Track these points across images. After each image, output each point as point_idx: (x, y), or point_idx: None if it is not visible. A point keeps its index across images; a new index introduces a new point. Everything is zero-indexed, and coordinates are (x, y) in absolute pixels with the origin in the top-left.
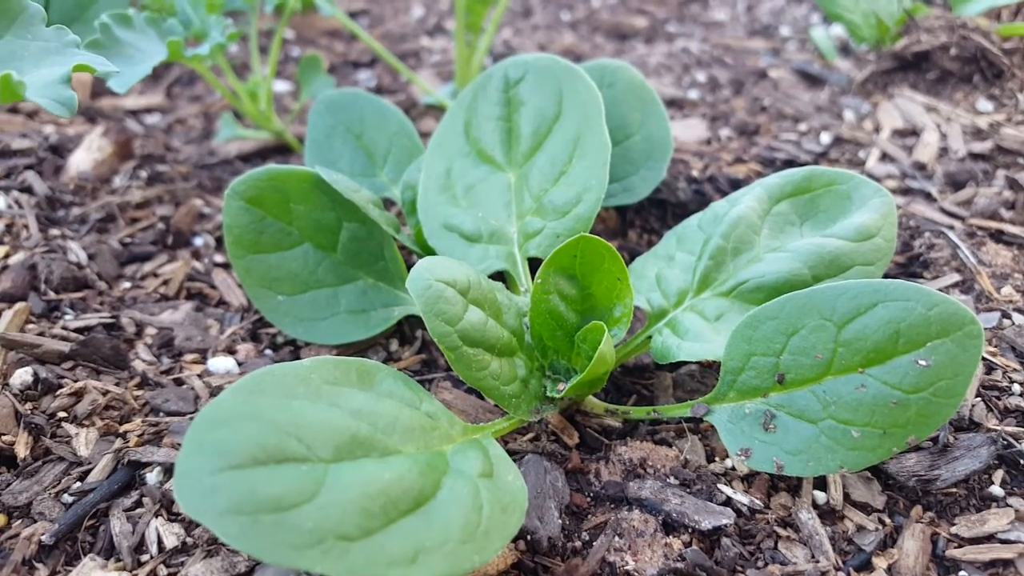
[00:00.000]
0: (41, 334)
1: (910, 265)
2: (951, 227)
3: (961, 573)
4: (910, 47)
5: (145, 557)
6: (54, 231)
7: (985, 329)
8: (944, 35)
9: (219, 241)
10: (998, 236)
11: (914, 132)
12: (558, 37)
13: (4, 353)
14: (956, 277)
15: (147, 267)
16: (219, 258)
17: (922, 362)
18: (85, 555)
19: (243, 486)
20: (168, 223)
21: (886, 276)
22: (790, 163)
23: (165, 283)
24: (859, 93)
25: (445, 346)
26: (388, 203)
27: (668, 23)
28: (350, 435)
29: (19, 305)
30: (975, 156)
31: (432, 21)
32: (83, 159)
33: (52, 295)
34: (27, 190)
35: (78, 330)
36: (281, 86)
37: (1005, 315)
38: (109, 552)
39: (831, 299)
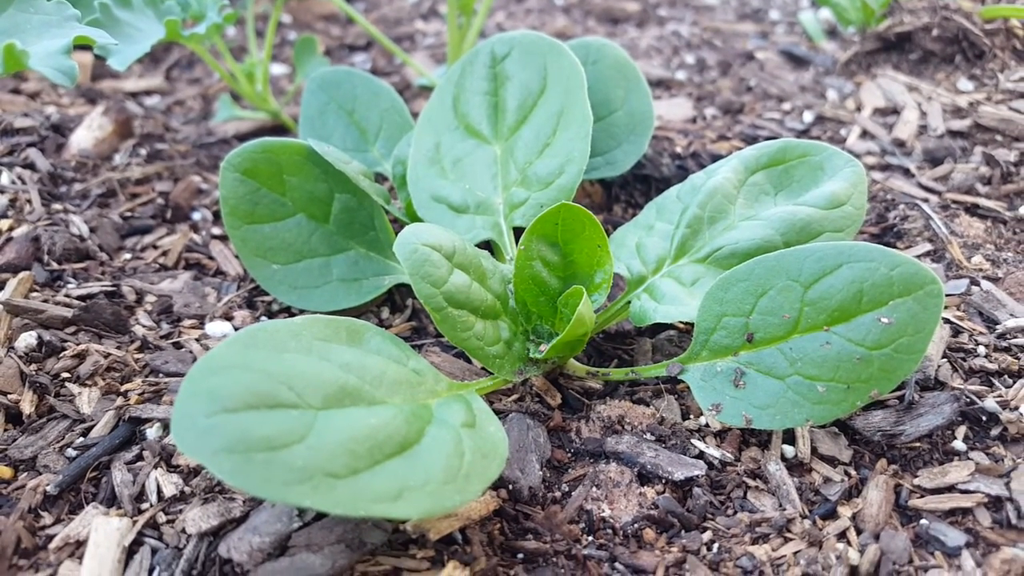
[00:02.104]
0: (45, 301)
1: (883, 235)
2: (926, 200)
3: (922, 521)
4: (893, 28)
5: (145, 505)
6: (56, 206)
7: (954, 295)
8: (927, 16)
9: (216, 215)
10: (973, 209)
11: (895, 111)
12: (550, 20)
13: (9, 319)
14: (928, 247)
15: (147, 239)
16: (216, 231)
17: (884, 320)
18: (88, 504)
19: (236, 427)
20: (167, 198)
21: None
22: (772, 140)
23: (164, 254)
24: (843, 74)
25: (431, 307)
26: (380, 177)
27: (660, 7)
28: (339, 386)
29: (23, 274)
30: (954, 133)
31: (427, 5)
32: (84, 137)
33: (55, 265)
34: (30, 166)
35: (80, 297)
36: (278, 69)
37: (974, 282)
38: (111, 501)
39: (798, 261)
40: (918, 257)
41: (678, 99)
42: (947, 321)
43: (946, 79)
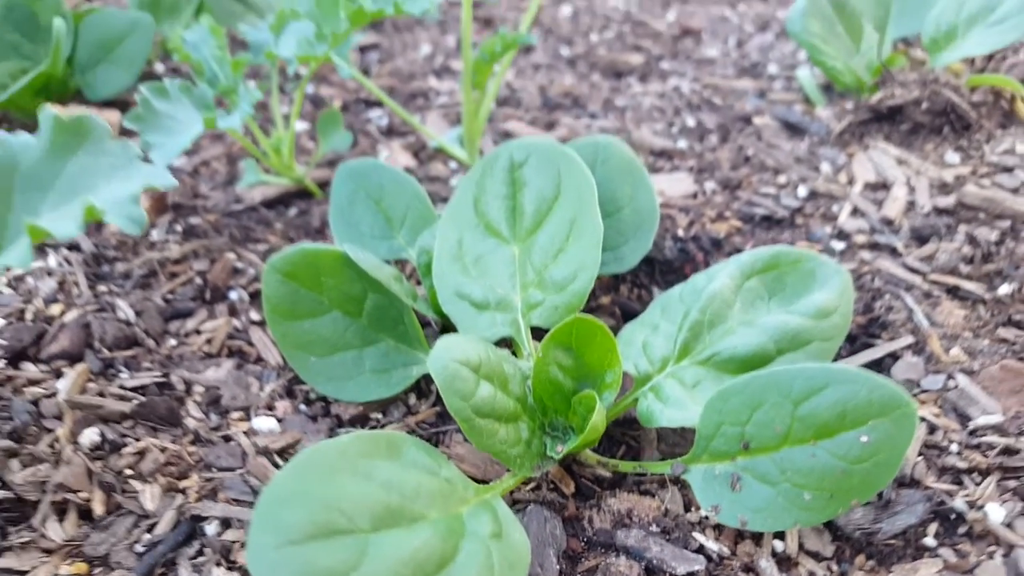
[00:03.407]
0: (101, 394)
1: (870, 326)
2: (912, 285)
3: None
4: (885, 101)
5: None
6: (102, 287)
7: (932, 391)
8: (917, 89)
9: (252, 296)
10: (955, 292)
11: (885, 186)
12: (558, 77)
13: (73, 413)
14: (910, 339)
15: (189, 324)
16: (255, 315)
17: (864, 438)
18: None
19: (302, 559)
20: (205, 278)
21: (850, 336)
22: (768, 218)
23: (208, 341)
24: (837, 143)
25: (460, 418)
26: (403, 263)
27: (662, 60)
28: (384, 505)
29: (80, 366)
30: (939, 211)
31: (439, 60)
32: None
33: (106, 353)
34: (75, 247)
35: (134, 389)
36: (298, 125)
37: (950, 376)
38: None
39: (789, 380)
40: (901, 350)
41: (679, 173)
42: (923, 419)
43: (934, 151)
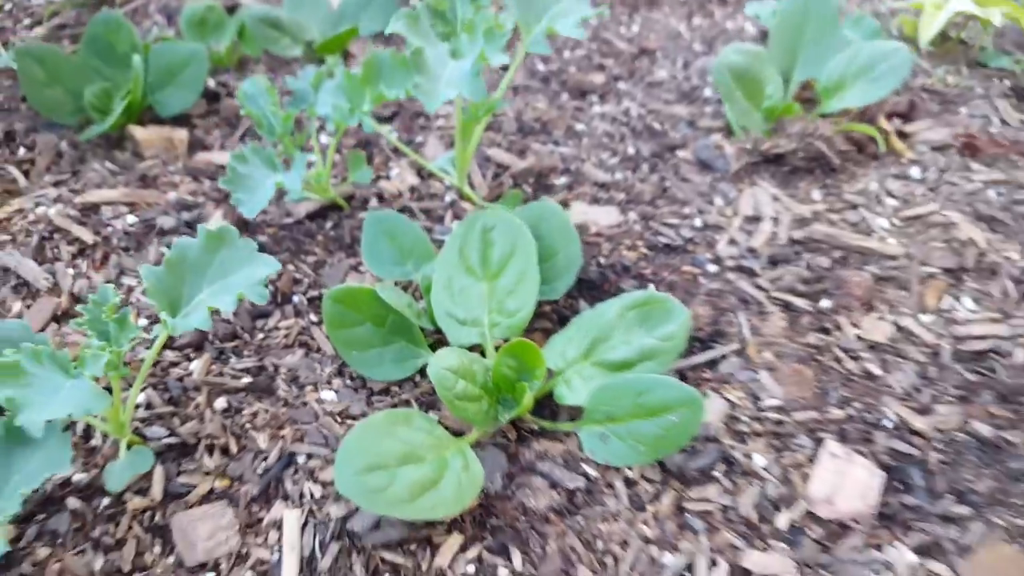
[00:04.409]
0: (221, 374)
1: (712, 337)
2: (758, 300)
3: (686, 516)
4: (771, 149)
5: (307, 500)
6: None
7: (741, 382)
8: (796, 141)
9: (309, 300)
10: (787, 306)
11: (758, 219)
12: (532, 100)
13: (206, 387)
14: (737, 346)
15: (270, 322)
16: (313, 316)
17: (673, 418)
18: (275, 501)
19: (363, 480)
20: (276, 286)
21: (701, 340)
22: (668, 246)
23: (285, 335)
24: (732, 180)
25: (445, 400)
26: (410, 284)
27: (620, 80)
28: (403, 453)
29: (204, 355)
30: (793, 241)
31: None
32: None
33: (219, 344)
34: None
35: (241, 370)
36: (325, 139)
37: (757, 372)
38: (287, 499)
39: (636, 383)
40: (727, 354)
41: (610, 207)
42: (729, 400)
43: (804, 189)
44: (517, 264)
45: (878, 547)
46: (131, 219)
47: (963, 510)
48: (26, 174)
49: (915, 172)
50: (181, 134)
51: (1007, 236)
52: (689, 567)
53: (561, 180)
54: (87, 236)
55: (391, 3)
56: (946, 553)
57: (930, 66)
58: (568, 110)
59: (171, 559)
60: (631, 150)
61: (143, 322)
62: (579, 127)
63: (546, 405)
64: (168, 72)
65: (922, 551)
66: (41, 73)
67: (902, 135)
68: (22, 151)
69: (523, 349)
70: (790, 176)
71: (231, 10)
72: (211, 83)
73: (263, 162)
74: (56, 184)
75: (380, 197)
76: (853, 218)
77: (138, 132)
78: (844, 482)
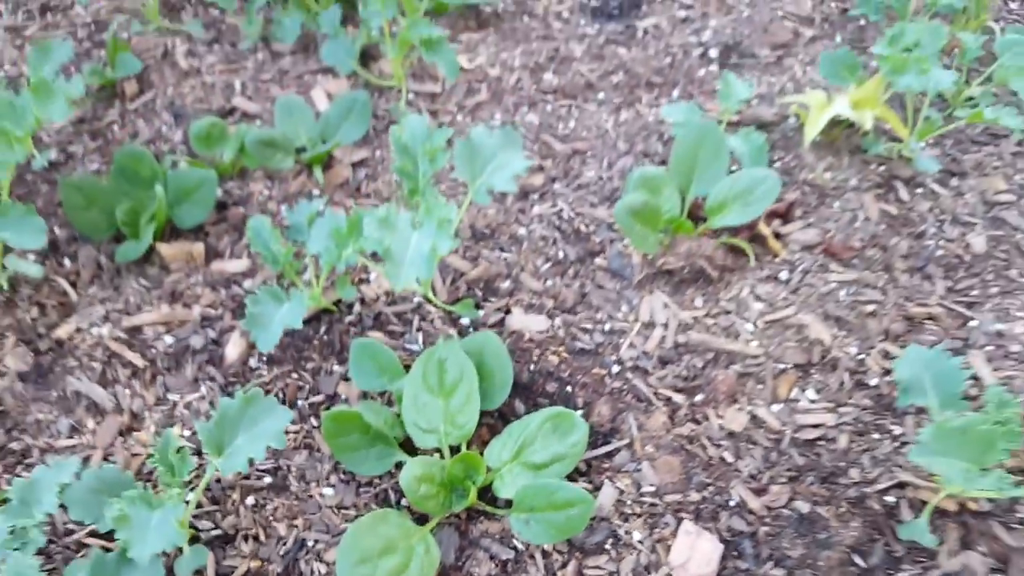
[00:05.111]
0: (248, 477)
1: (610, 433)
2: (647, 397)
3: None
4: (663, 265)
5: None
6: None
7: (628, 472)
8: (683, 259)
9: (310, 406)
10: (668, 401)
11: (653, 325)
12: (484, 207)
13: (240, 489)
14: (627, 440)
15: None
16: (313, 421)
17: (574, 511)
18: None
19: (355, 570)
20: (284, 393)
21: (603, 434)
22: (583, 350)
23: (294, 439)
24: (636, 289)
25: (412, 500)
26: (385, 392)
27: (556, 181)
28: (382, 547)
29: None
30: (677, 345)
31: None
32: (232, 352)
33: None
34: (211, 378)
35: (264, 471)
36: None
37: (640, 463)
38: None
39: (549, 486)
40: (620, 448)
41: (541, 316)
42: (618, 487)
43: (689, 297)
44: (464, 388)
45: None
46: (168, 339)
47: (778, 572)
48: (73, 285)
49: (784, 274)
50: (199, 247)
51: (849, 332)
52: None
53: (505, 285)
54: (138, 360)
55: (366, 113)
56: None
57: (815, 157)
58: (513, 213)
59: None
60: (561, 254)
61: (187, 434)
62: (520, 231)
63: (488, 491)
64: (184, 192)
65: None
66: (81, 199)
67: (778, 236)
68: (67, 262)
69: (469, 458)
70: (679, 285)
71: (227, 114)
72: (218, 192)
73: (272, 299)
74: (102, 301)
75: (362, 301)
76: (725, 323)
77: (164, 249)
78: (694, 552)
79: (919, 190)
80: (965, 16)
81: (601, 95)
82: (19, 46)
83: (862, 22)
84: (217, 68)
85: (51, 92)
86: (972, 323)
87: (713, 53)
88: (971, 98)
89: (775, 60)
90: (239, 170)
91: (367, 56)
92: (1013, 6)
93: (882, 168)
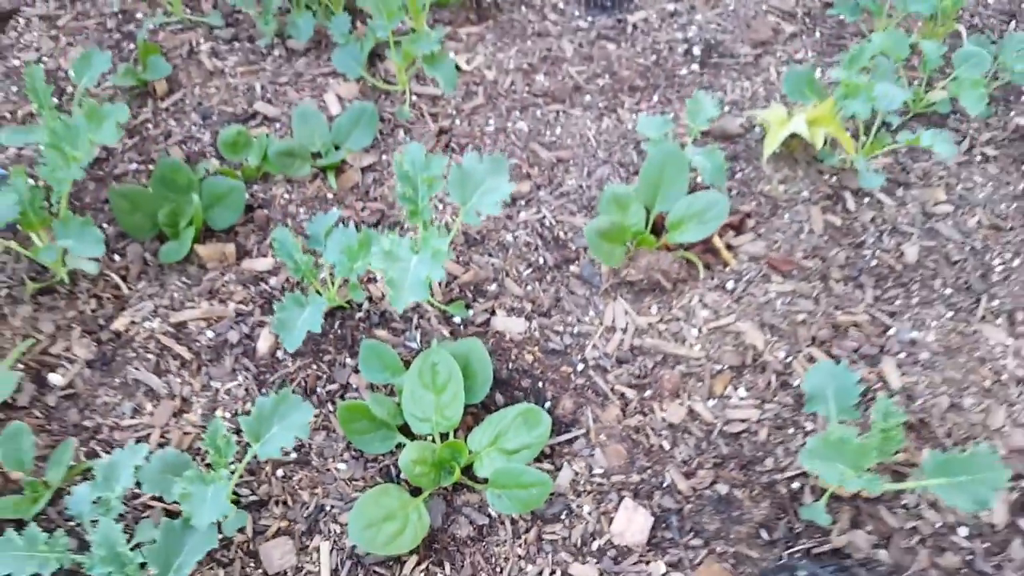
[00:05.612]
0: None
1: (572, 422)
2: (604, 392)
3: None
4: (626, 277)
5: (332, 535)
6: (263, 390)
7: (583, 456)
8: (642, 272)
9: (327, 392)
10: (622, 396)
11: (614, 329)
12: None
13: (271, 463)
14: (584, 430)
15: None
16: (330, 406)
17: (535, 490)
18: (315, 534)
19: (362, 533)
20: (306, 382)
21: (566, 423)
22: (554, 351)
23: (313, 422)
24: (602, 296)
25: (409, 477)
26: (388, 385)
27: (541, 188)
28: (384, 515)
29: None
30: (633, 348)
31: None
32: (263, 345)
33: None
34: (245, 369)
35: (290, 449)
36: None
37: (593, 448)
38: (322, 534)
39: (516, 470)
40: (579, 436)
41: (520, 318)
42: (575, 470)
43: (646, 304)
44: (452, 387)
45: (647, 563)
46: (209, 334)
47: (697, 542)
48: (124, 279)
49: (730, 284)
50: (231, 248)
51: (780, 338)
52: (539, 574)
53: (492, 288)
54: (185, 353)
55: (373, 122)
56: (684, 568)
57: (773, 169)
58: (501, 219)
59: (260, 571)
60: (541, 260)
61: (228, 416)
62: (508, 237)
63: (470, 470)
64: (216, 198)
65: (671, 566)
66: (127, 204)
67: (730, 247)
68: (117, 258)
69: (455, 444)
70: (639, 294)
71: (249, 118)
72: (246, 195)
73: (296, 305)
74: (150, 297)
75: (370, 299)
76: (674, 329)
77: (201, 249)
78: (631, 524)
79: (866, 199)
80: (933, 22)
81: (587, 98)
82: (53, 36)
83: (842, 17)
84: (239, 70)
85: (102, 117)
86: (891, 331)
87: (696, 51)
88: (932, 103)
89: (753, 60)
90: (262, 175)
91: (374, 56)
92: (990, 0)
93: (834, 179)
